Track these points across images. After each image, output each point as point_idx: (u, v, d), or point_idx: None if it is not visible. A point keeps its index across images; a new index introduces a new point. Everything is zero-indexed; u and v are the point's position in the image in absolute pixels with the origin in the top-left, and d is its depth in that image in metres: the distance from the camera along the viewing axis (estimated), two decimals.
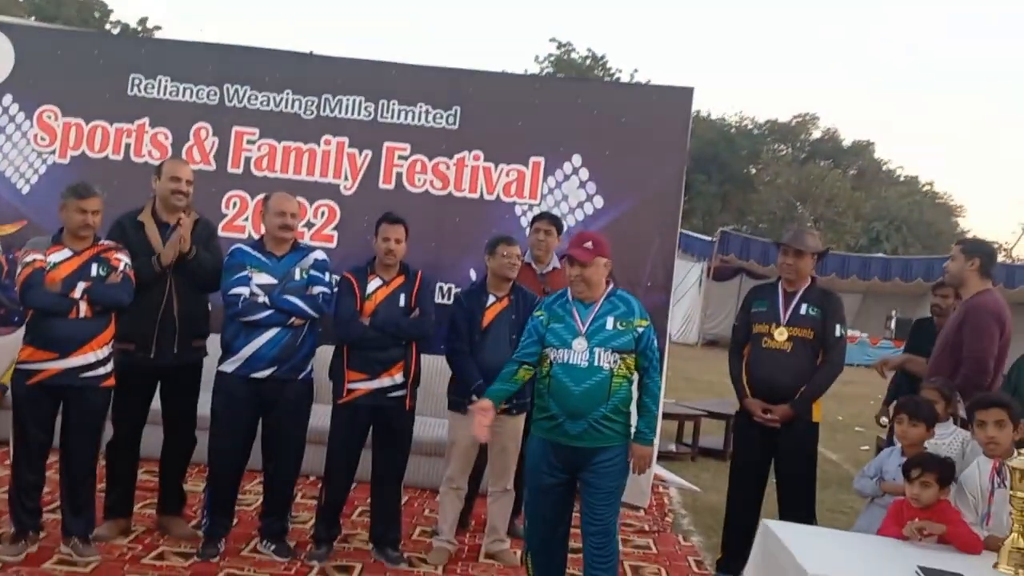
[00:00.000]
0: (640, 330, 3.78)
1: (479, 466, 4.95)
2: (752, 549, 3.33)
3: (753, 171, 41.33)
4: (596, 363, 3.70)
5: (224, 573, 4.19)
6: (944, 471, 3.41)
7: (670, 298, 6.91)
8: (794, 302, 4.45)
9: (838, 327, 4.41)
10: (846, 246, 32.73)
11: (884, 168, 43.99)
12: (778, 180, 38.59)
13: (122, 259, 4.21)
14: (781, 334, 4.40)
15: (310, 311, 4.40)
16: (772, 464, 4.52)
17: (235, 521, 4.67)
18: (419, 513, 5.49)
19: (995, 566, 3.03)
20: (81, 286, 4.05)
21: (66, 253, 4.12)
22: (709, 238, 21.28)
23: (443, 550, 4.71)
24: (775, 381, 4.36)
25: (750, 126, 43.08)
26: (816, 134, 43.93)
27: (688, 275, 21.13)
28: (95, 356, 4.09)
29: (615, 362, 3.72)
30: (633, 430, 3.83)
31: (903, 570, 2.87)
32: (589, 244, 3.82)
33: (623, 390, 3.74)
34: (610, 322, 3.76)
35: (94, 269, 4.11)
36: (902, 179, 43.73)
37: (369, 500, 4.74)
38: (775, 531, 3.22)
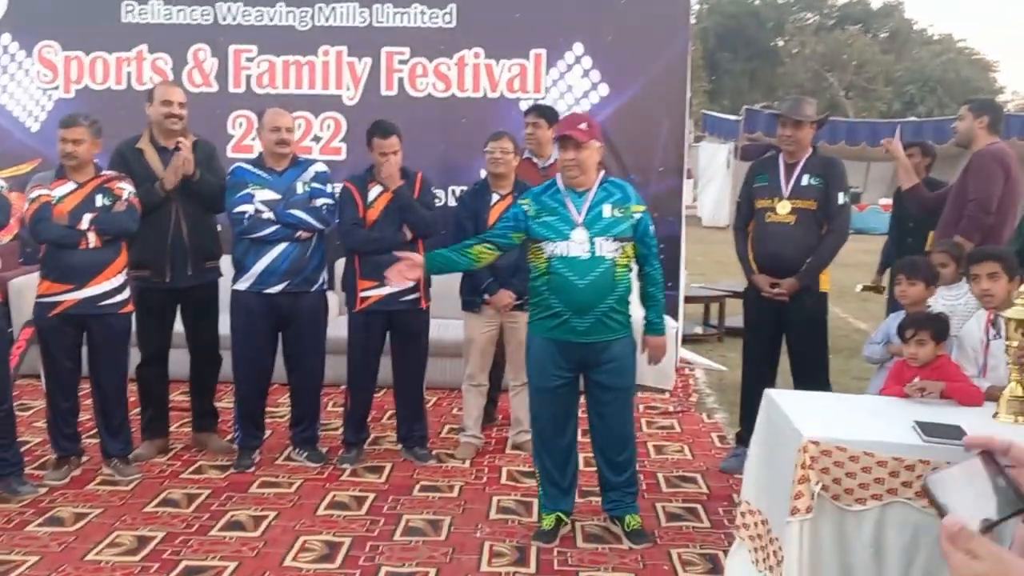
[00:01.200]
0: (637, 216, 3.66)
1: (498, 363, 5.04)
2: (757, 420, 3.38)
3: (780, 43, 40.13)
4: (598, 253, 3.56)
5: (260, 481, 4.37)
6: (938, 327, 3.42)
7: (683, 181, 6.85)
8: (795, 174, 4.38)
9: (840, 195, 4.34)
10: (878, 113, 31.91)
11: (915, 28, 42.44)
12: (805, 50, 37.47)
13: (125, 188, 4.26)
14: (784, 207, 4.34)
15: (315, 223, 4.45)
16: (784, 336, 4.54)
17: (268, 433, 4.84)
18: (446, 412, 5.64)
19: (995, 416, 3.07)
20: (87, 217, 4.12)
21: (70, 186, 4.19)
22: (735, 118, 20.84)
23: (470, 445, 4.85)
24: (781, 255, 4.34)
25: None
26: None
27: (715, 157, 20.81)
28: (110, 284, 4.19)
29: (616, 250, 3.59)
30: (644, 322, 3.81)
31: (901, 427, 2.91)
32: (584, 125, 3.63)
33: (626, 279, 3.66)
34: (607, 209, 3.62)
35: (98, 200, 4.18)
36: (935, 38, 42.20)
37: (395, 403, 4.88)
38: (775, 399, 3.26)
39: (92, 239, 4.11)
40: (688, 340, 7.58)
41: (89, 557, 3.48)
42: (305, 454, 4.66)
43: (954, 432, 2.83)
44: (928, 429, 2.86)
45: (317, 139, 6.77)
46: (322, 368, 4.74)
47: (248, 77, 6.77)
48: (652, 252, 3.74)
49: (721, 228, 20.92)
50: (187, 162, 4.43)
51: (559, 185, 3.72)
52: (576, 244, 3.57)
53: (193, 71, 6.77)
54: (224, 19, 6.75)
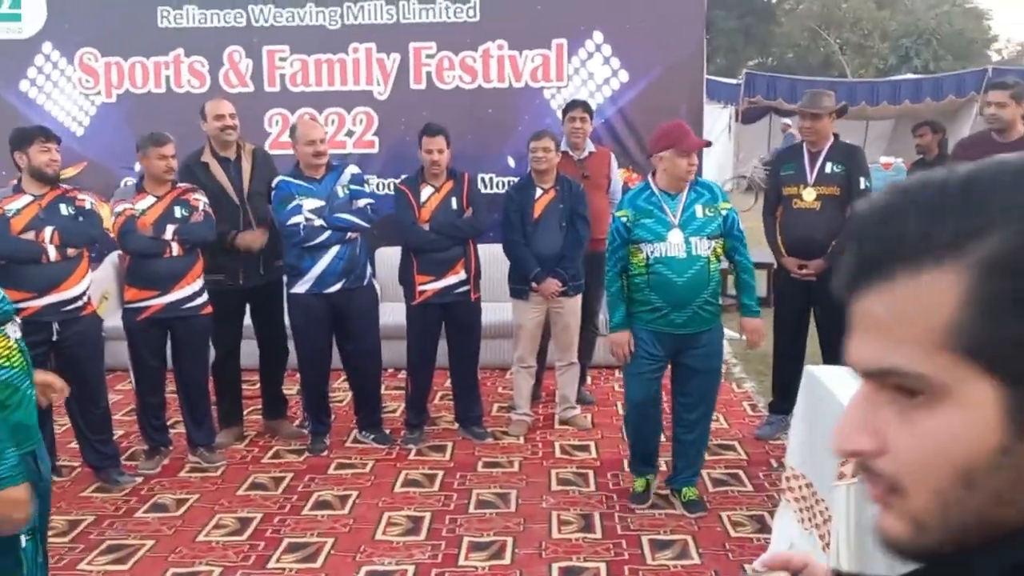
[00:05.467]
0: (725, 212, 3.95)
1: (544, 345, 5.40)
2: (799, 394, 3.74)
3: (774, 1, 40.08)
4: (694, 252, 3.85)
5: (336, 463, 4.75)
6: None
7: (702, 163, 7.16)
8: (819, 162, 4.72)
9: (863, 180, 4.68)
10: (875, 70, 32.02)
11: None
12: (800, 7, 37.47)
13: (200, 199, 4.60)
14: (809, 194, 4.69)
15: (363, 223, 4.74)
16: (812, 311, 4.90)
17: (333, 417, 5.21)
18: (493, 391, 6.01)
19: None
20: (170, 228, 4.45)
21: (150, 200, 4.52)
22: (735, 81, 21.03)
23: (522, 422, 5.23)
24: (808, 239, 4.68)
25: None
26: None
27: (717, 122, 21.02)
28: (191, 289, 4.53)
29: (709, 248, 3.88)
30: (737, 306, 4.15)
31: None
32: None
33: (717, 273, 3.97)
34: (699, 210, 3.90)
35: (178, 211, 4.51)
36: None
37: (450, 385, 5.25)
38: (818, 375, 3.62)
39: (175, 248, 4.45)
40: None
41: (200, 538, 3.88)
42: (372, 436, 5.03)
43: None
44: None
45: (350, 134, 7.06)
46: (380, 356, 5.09)
47: (282, 76, 7.05)
48: (742, 243, 4.05)
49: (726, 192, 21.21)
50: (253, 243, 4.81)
51: (653, 188, 3.97)
52: (673, 245, 3.86)
53: (229, 72, 7.05)
54: (257, 21, 7.01)
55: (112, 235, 4.53)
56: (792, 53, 36.13)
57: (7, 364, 2.22)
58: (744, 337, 4.23)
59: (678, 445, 4.19)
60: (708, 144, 4.05)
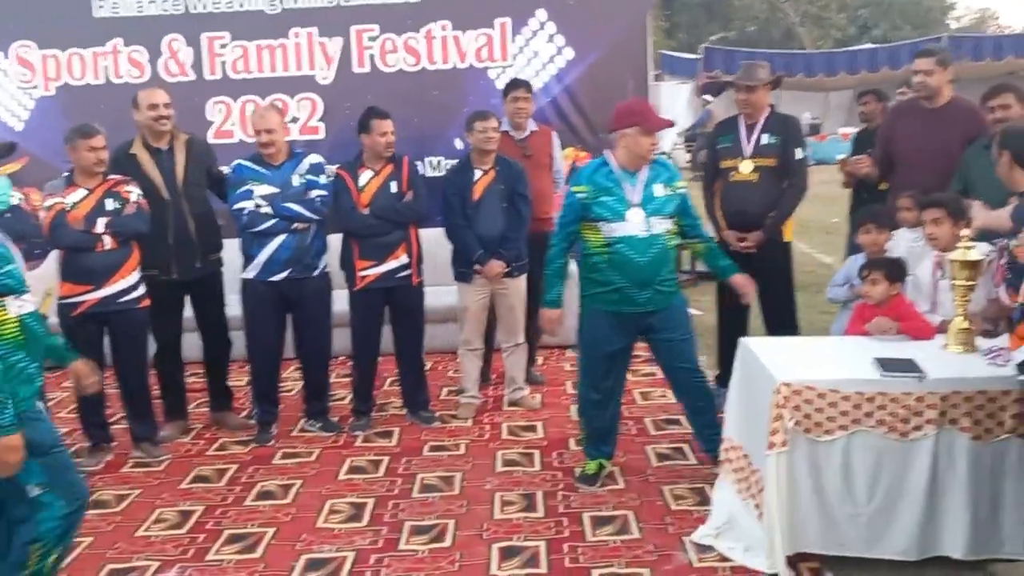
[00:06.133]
0: (681, 191, 3.97)
1: (490, 326, 5.38)
2: (734, 365, 3.76)
3: None
4: (654, 231, 3.84)
5: (281, 453, 4.72)
6: (891, 269, 3.81)
7: None
8: (755, 134, 4.73)
9: (798, 151, 4.69)
10: (834, 41, 32.19)
11: None
12: None
13: (132, 191, 4.52)
14: (747, 167, 4.69)
15: (309, 214, 4.70)
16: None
17: (281, 406, 5.17)
18: (443, 375, 5.99)
19: (944, 347, 3.48)
20: (101, 221, 4.38)
21: (82, 192, 4.44)
22: (694, 56, 21.03)
23: (470, 405, 5.22)
24: (746, 211, 4.69)
25: None
26: None
27: (676, 97, 21.01)
28: (126, 283, 4.47)
29: (668, 227, 3.91)
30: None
31: (862, 364, 3.30)
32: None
33: (673, 250, 4.02)
34: (659, 189, 3.89)
35: (109, 203, 4.44)
36: None
37: (397, 371, 5.23)
38: (750, 347, 3.65)
39: (108, 241, 4.38)
40: None
41: (139, 533, 3.83)
42: (319, 424, 5.00)
43: (909, 366, 3.24)
44: (886, 364, 3.26)
45: (295, 120, 6.97)
46: (330, 346, 5.06)
47: (223, 64, 6.95)
48: (697, 219, 4.09)
49: (683, 168, 21.27)
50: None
51: (612, 166, 3.92)
52: (633, 224, 3.84)
53: (169, 61, 6.94)
54: (195, 8, 6.90)
55: (44, 232, 4.45)
56: (754, 26, 36.21)
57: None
58: (740, 292, 4.16)
59: (699, 415, 4.15)
60: (672, 124, 4.05)
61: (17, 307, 2.82)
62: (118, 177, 4.57)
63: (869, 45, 24.92)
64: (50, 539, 2.91)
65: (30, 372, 2.84)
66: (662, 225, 3.88)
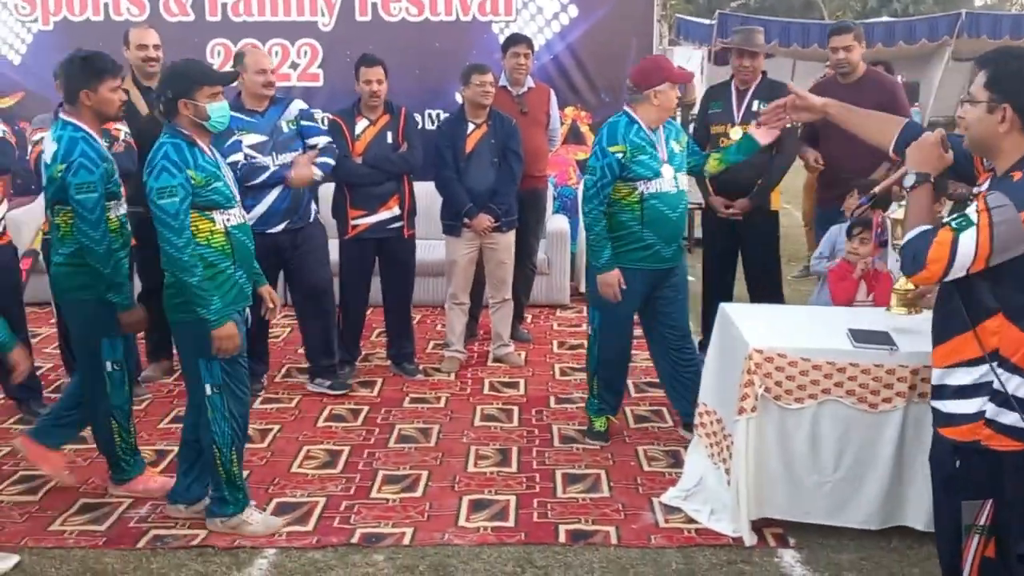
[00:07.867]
0: (686, 142, 4.12)
1: (479, 281, 5.37)
2: (713, 331, 3.76)
3: None
4: (680, 187, 3.96)
5: (263, 397, 4.74)
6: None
7: None
8: (746, 100, 4.68)
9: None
10: (853, 12, 31.66)
11: None
12: None
13: (121, 128, 4.49)
14: (736, 133, 4.63)
15: (332, 161, 4.60)
16: (739, 251, 4.91)
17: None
18: (431, 329, 5.99)
19: (888, 309, 3.48)
20: None
21: None
22: (708, 22, 20.78)
23: (454, 359, 5.23)
24: (734, 178, 4.63)
25: None
26: None
27: (690, 62, 20.77)
28: None
29: (686, 182, 4.04)
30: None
31: (836, 334, 3.30)
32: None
33: None
34: (675, 145, 3.98)
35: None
36: None
37: (384, 322, 5.23)
38: (729, 313, 3.64)
39: None
40: None
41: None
42: (328, 384, 4.81)
43: (882, 338, 3.23)
44: (859, 336, 3.25)
45: (295, 66, 6.92)
46: (333, 295, 4.89)
47: (224, 5, 6.88)
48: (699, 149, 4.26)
49: None
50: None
51: (641, 124, 3.89)
52: (666, 180, 3.90)
53: (170, 1, 6.87)
54: None
55: (30, 166, 4.43)
56: (746, 27, 35.67)
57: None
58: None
59: (679, 385, 4.15)
60: (693, 75, 4.13)
61: (224, 220, 3.23)
62: None
63: (886, 19, 24.57)
64: (223, 441, 3.28)
65: (236, 279, 3.26)
66: (684, 180, 4.00)
